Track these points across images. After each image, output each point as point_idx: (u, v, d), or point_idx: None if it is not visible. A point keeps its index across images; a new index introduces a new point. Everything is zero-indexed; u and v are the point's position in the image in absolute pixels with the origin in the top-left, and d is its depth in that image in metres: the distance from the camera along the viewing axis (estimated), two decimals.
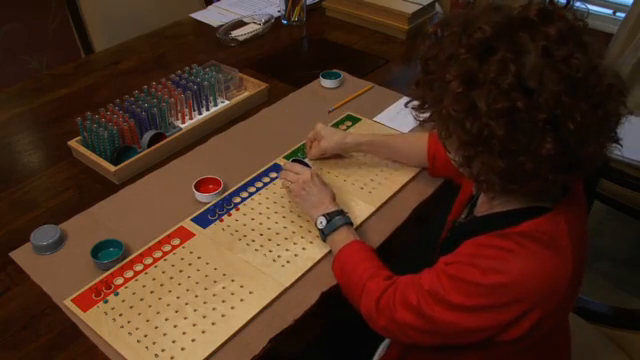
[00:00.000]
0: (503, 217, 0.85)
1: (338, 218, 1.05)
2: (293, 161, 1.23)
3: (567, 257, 0.80)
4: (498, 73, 0.71)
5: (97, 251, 1.07)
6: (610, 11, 2.25)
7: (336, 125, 1.42)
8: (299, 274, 1.04)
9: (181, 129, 1.40)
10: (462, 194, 1.07)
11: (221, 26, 1.93)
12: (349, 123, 1.44)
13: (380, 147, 1.26)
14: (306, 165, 1.21)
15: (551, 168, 0.74)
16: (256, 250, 1.08)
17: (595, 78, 0.73)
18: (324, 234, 1.05)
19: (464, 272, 0.81)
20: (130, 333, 0.94)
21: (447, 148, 0.84)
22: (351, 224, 1.07)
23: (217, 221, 1.15)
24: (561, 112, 0.70)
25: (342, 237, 1.03)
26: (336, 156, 1.31)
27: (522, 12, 0.74)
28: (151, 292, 1.00)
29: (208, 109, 1.49)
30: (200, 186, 1.22)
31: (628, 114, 0.77)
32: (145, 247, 1.09)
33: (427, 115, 0.84)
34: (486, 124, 0.72)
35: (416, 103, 0.85)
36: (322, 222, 1.06)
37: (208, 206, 1.18)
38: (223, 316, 0.96)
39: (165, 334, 0.93)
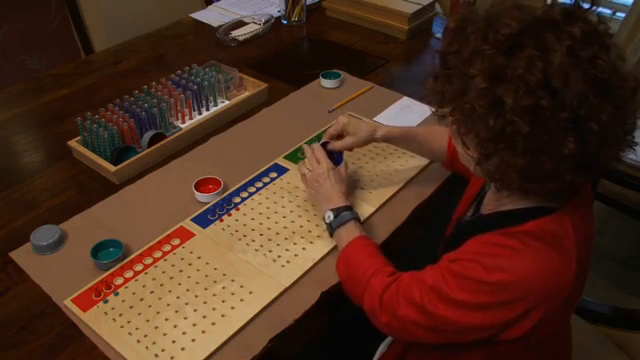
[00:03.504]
0: (509, 216, 0.85)
1: (346, 213, 1.05)
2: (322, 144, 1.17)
3: (571, 257, 0.80)
4: (525, 70, 0.71)
5: (97, 251, 1.07)
6: (610, 11, 2.26)
7: None
8: (299, 274, 1.04)
9: (181, 129, 1.40)
10: (469, 191, 1.07)
11: (221, 26, 1.93)
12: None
13: (406, 140, 1.22)
14: (338, 155, 1.18)
15: (569, 168, 0.74)
16: (256, 250, 1.08)
17: (619, 80, 0.73)
18: (332, 227, 1.05)
19: (468, 269, 0.81)
20: (130, 333, 0.94)
21: (465, 145, 0.83)
22: (358, 219, 1.07)
23: (217, 221, 1.15)
24: (584, 112, 0.71)
25: (348, 232, 1.03)
26: None
27: (546, 12, 0.75)
28: (151, 292, 1.00)
29: (208, 109, 1.49)
30: (200, 186, 1.22)
31: None
32: (145, 247, 1.09)
33: (447, 110, 0.83)
34: (510, 120, 0.72)
35: (433, 98, 0.84)
36: (329, 216, 1.06)
37: (208, 206, 1.18)
38: (223, 316, 0.96)
39: (165, 334, 0.93)
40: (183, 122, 1.44)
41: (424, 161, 1.30)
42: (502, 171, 0.78)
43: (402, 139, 1.22)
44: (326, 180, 1.09)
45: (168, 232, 1.12)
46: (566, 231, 0.81)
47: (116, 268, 1.04)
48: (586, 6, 0.77)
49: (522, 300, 0.78)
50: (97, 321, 0.95)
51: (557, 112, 0.71)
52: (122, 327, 0.94)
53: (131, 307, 0.98)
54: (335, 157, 1.17)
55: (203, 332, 0.94)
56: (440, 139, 1.20)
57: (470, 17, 0.80)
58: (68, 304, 0.98)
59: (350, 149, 1.20)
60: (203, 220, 1.15)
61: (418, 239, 1.26)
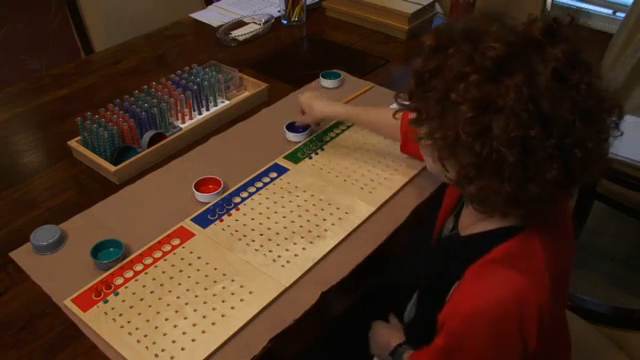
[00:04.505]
0: (481, 240, 0.85)
1: (397, 355, 1.07)
2: (290, 124, 1.39)
3: (542, 275, 0.79)
4: (516, 100, 0.69)
5: (97, 251, 1.07)
6: (610, 11, 2.25)
7: (336, 125, 1.43)
8: (299, 274, 1.04)
9: (181, 129, 1.40)
10: (447, 200, 1.07)
11: (221, 26, 1.93)
12: (349, 123, 1.44)
13: (355, 119, 1.31)
14: (302, 129, 1.38)
15: (553, 191, 0.74)
16: (256, 250, 1.09)
17: (600, 103, 0.73)
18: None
19: (461, 338, 0.80)
20: (130, 333, 0.94)
21: (445, 168, 0.81)
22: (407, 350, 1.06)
23: (217, 221, 1.15)
24: (571, 141, 0.70)
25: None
26: (337, 156, 1.32)
27: (527, 30, 0.73)
28: (151, 292, 1.00)
29: (208, 109, 1.49)
30: (200, 186, 1.22)
31: (620, 136, 0.77)
32: (145, 247, 1.09)
33: (423, 132, 0.80)
34: (497, 149, 0.71)
35: (412, 115, 0.82)
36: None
37: (208, 206, 1.18)
38: (223, 316, 0.96)
39: (165, 334, 0.93)
40: (183, 122, 1.44)
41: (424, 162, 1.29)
42: (485, 195, 0.77)
43: (348, 118, 1.33)
44: (375, 338, 1.15)
45: (168, 232, 1.12)
46: (533, 251, 0.80)
47: (116, 268, 1.05)
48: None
49: (513, 318, 0.77)
50: (97, 321, 0.95)
51: (545, 141, 0.70)
52: (122, 327, 0.94)
53: (131, 307, 0.98)
54: (301, 130, 1.38)
55: (203, 332, 0.94)
56: (389, 124, 1.22)
57: (447, 32, 0.76)
58: (68, 304, 0.98)
59: (308, 124, 1.37)
60: (203, 220, 1.15)
61: (417, 239, 1.26)
